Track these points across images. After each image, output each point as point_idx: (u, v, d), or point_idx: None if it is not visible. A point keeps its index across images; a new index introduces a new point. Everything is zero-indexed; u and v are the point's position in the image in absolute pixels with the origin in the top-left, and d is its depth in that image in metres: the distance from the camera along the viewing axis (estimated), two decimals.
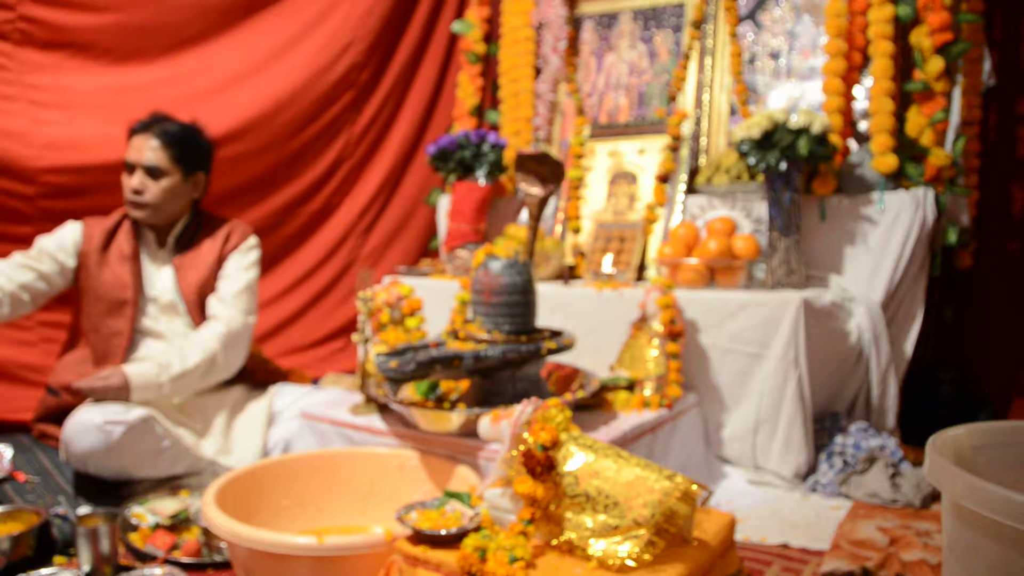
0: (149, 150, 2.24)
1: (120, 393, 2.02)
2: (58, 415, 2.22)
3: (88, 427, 1.94)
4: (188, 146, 2.30)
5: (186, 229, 2.34)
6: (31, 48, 2.63)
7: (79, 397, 2.14)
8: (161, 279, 2.31)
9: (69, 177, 2.59)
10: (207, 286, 2.30)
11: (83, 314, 2.30)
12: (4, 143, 2.54)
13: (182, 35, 2.94)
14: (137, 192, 2.24)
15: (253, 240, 2.40)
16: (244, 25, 3.07)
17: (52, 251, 2.25)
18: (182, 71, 2.93)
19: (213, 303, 2.28)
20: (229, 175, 2.99)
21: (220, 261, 2.33)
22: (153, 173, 2.24)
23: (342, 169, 3.35)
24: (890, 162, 2.38)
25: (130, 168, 2.26)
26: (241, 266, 2.34)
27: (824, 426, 2.21)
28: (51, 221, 2.46)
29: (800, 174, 2.38)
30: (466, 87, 3.40)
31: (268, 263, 3.14)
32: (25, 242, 2.38)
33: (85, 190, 2.58)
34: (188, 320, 2.29)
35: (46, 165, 2.59)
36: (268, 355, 2.70)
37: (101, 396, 2.02)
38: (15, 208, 2.59)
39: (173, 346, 2.20)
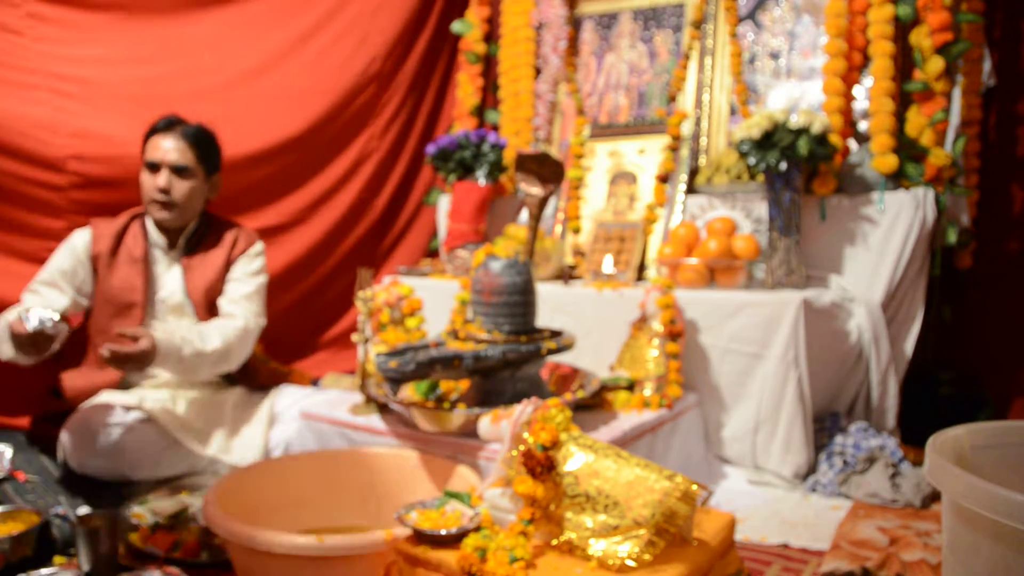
0: (175, 150, 2.23)
1: (146, 357, 1.90)
2: (58, 417, 2.21)
3: (86, 430, 1.93)
4: (208, 146, 2.31)
5: (196, 231, 2.33)
6: (46, 42, 2.60)
7: (82, 396, 2.13)
8: (170, 280, 2.30)
9: (98, 167, 2.55)
10: (215, 289, 2.30)
11: (91, 317, 2.28)
12: (31, 130, 2.47)
13: (191, 30, 2.93)
14: (164, 191, 2.21)
15: (259, 246, 2.40)
16: (257, 19, 3.06)
17: (69, 266, 2.21)
18: (198, 65, 2.91)
19: (226, 304, 2.27)
20: (260, 166, 2.99)
21: (227, 265, 2.33)
22: (180, 172, 2.23)
23: (368, 164, 3.33)
24: (890, 162, 2.38)
25: (153, 167, 2.23)
26: (248, 271, 2.33)
27: (824, 426, 2.21)
28: (84, 215, 2.41)
29: (800, 174, 2.38)
30: (466, 87, 3.40)
31: (299, 261, 3.15)
32: (57, 239, 2.33)
33: (116, 182, 2.51)
34: (196, 321, 2.27)
35: (73, 153, 2.51)
36: (268, 355, 2.69)
37: (123, 362, 1.88)
38: (47, 200, 2.51)
39: (193, 327, 2.14)
